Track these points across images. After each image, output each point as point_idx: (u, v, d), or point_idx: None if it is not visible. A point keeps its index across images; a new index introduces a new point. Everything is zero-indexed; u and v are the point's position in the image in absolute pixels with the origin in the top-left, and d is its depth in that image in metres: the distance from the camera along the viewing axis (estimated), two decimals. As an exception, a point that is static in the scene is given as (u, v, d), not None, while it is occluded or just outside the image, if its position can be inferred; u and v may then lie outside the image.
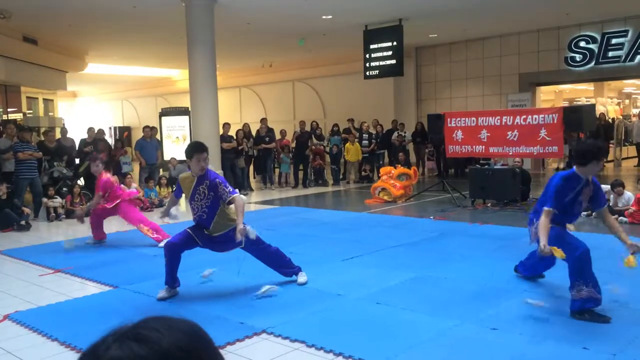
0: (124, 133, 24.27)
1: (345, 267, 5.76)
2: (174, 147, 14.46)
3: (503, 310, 4.27)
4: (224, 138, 12.67)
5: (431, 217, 8.59)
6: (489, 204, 9.57)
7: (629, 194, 7.91)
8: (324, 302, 4.60)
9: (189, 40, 11.60)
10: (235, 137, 13.16)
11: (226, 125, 12.99)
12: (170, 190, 11.47)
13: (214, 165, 11.71)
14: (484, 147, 9.61)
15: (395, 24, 13.15)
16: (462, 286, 4.93)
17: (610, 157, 16.34)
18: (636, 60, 13.36)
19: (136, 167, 12.69)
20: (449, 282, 5.08)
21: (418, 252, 6.32)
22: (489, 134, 9.48)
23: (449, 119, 10.05)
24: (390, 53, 13.50)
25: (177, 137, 14.94)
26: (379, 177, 11.64)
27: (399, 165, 11.57)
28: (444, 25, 13.79)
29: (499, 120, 9.37)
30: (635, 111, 20.93)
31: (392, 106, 17.33)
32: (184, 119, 14.41)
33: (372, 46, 13.79)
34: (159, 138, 13.70)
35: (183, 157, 14.13)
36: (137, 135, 18.31)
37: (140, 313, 0.77)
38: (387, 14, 12.57)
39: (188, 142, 14.04)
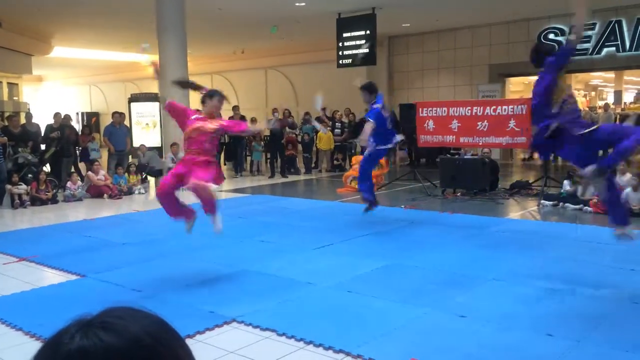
0: (91, 119, 23.76)
1: (317, 255, 5.77)
2: (144, 134, 14.21)
3: (471, 298, 4.34)
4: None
5: (402, 206, 8.65)
6: (458, 194, 9.69)
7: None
8: (294, 290, 4.60)
9: (159, 26, 11.38)
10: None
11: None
12: (139, 177, 11.29)
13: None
14: (454, 137, 9.70)
15: (368, 13, 13.13)
16: (431, 274, 4.99)
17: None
18: (603, 53, 13.62)
19: (104, 154, 12.45)
20: (419, 270, 5.13)
21: (389, 241, 6.37)
22: (459, 124, 9.57)
23: (420, 109, 10.11)
24: (363, 42, 13.48)
25: (147, 124, 14.68)
26: (351, 166, 11.67)
27: (371, 154, 11.59)
28: (416, 14, 13.82)
29: (469, 111, 9.47)
30: (601, 103, 21.38)
31: (364, 95, 17.33)
32: (154, 105, 14.14)
33: (345, 34, 13.74)
34: (128, 124, 13.44)
35: (153, 144, 13.97)
36: (105, 121, 17.93)
37: (108, 303, 0.76)
38: (360, 3, 12.53)
39: (158, 129, 13.83)
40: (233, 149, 13.76)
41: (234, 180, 12.98)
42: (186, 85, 5.56)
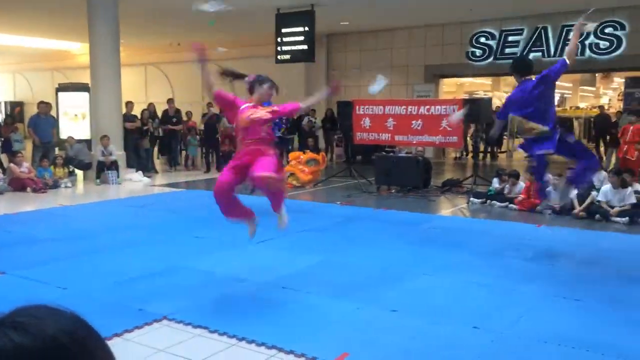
0: (15, 108, 22.57)
1: (252, 251, 5.72)
2: (72, 125, 13.60)
3: (403, 293, 4.43)
4: (128, 117, 12.11)
5: (338, 203, 8.73)
6: (393, 190, 9.89)
7: (521, 184, 8.46)
8: (228, 287, 4.55)
9: (90, 12, 10.93)
10: (139, 117, 12.64)
11: (129, 104, 12.43)
12: (66, 170, 10.82)
13: (117, 145, 11.19)
14: (390, 135, 9.89)
15: (307, 9, 13.14)
16: (365, 270, 5.06)
17: (503, 148, 17.42)
18: (530, 58, 14.26)
19: (29, 146, 11.85)
20: (353, 266, 5.20)
21: (325, 237, 6.41)
22: (395, 123, 9.76)
23: (357, 107, 10.23)
24: (302, 38, 13.48)
25: (76, 115, 14.05)
26: (288, 162, 11.66)
27: (308, 151, 11.65)
28: (355, 13, 13.95)
29: (404, 110, 9.67)
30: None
31: (302, 91, 17.34)
32: (84, 96, 13.57)
33: (284, 30, 13.69)
34: (55, 115, 12.84)
35: (82, 136, 13.41)
36: (30, 111, 17.04)
37: (30, 301, 0.71)
38: (299, -1, 12.52)
39: (88, 121, 13.28)
40: (167, 142, 13.44)
41: (167, 174, 12.68)
42: (229, 74, 5.07)
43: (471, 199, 8.87)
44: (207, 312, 3.93)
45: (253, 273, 4.89)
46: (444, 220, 7.66)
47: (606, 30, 13.06)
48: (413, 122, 9.54)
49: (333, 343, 3.44)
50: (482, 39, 14.74)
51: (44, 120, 11.46)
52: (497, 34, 14.58)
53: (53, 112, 12.52)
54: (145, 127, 12.51)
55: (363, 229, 6.88)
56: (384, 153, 10.58)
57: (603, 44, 13.11)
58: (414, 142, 9.88)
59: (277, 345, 3.37)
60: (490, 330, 3.65)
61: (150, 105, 13.45)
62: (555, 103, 24.93)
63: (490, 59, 14.69)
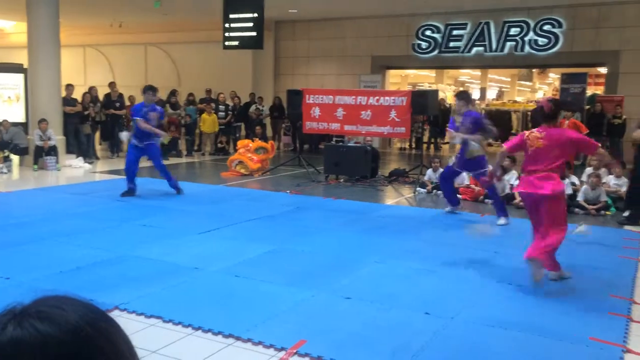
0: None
1: (202, 240, 5.66)
2: (6, 108, 12.93)
3: (355, 280, 4.51)
4: (67, 101, 11.63)
5: (287, 191, 8.73)
6: (341, 180, 9.98)
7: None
8: (180, 275, 4.48)
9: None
10: (80, 101, 12.15)
11: (69, 87, 11.92)
12: (1, 155, 10.29)
13: (56, 129, 10.73)
14: (339, 124, 9.95)
15: (256, -5, 12.96)
16: (317, 258, 5.10)
17: (446, 140, 17.88)
18: (472, 52, 14.68)
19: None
20: (305, 254, 5.23)
21: (275, 225, 6.41)
22: (344, 113, 9.82)
23: (307, 96, 10.23)
24: (250, 25, 13.30)
25: (9, 97, 13.35)
26: (235, 150, 11.55)
27: (256, 139, 11.56)
28: (303, 1, 13.90)
29: (354, 100, 9.75)
30: (468, 98, 23.11)
31: (250, 79, 17.18)
32: (18, 77, 12.90)
33: (232, 16, 13.46)
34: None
35: (16, 119, 12.74)
36: (-41, 91, 16.02)
37: None
38: (248, -16, 12.34)
39: (22, 103, 12.67)
40: (110, 128, 13.00)
41: (109, 160, 12.29)
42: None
43: (417, 188, 9.08)
44: (160, 302, 3.86)
45: (204, 262, 4.84)
46: (392, 209, 7.81)
47: (544, 28, 13.60)
48: (362, 112, 9.63)
49: (289, 330, 3.47)
50: (428, 32, 15.03)
51: (-24, 102, 10.83)
52: (442, 27, 14.89)
53: (-15, 94, 11.86)
54: (86, 112, 12.04)
55: (313, 217, 6.92)
56: (333, 142, 10.64)
57: (541, 40, 13.65)
58: (363, 132, 9.99)
59: (234, 333, 3.37)
60: (441, 316, 3.77)
61: (92, 88, 12.95)
62: (494, 97, 25.69)
63: (436, 52, 15.00)
